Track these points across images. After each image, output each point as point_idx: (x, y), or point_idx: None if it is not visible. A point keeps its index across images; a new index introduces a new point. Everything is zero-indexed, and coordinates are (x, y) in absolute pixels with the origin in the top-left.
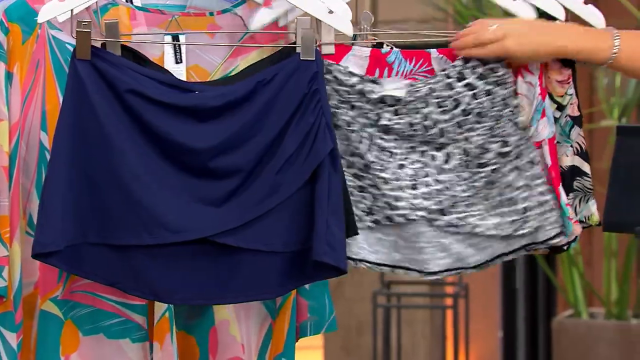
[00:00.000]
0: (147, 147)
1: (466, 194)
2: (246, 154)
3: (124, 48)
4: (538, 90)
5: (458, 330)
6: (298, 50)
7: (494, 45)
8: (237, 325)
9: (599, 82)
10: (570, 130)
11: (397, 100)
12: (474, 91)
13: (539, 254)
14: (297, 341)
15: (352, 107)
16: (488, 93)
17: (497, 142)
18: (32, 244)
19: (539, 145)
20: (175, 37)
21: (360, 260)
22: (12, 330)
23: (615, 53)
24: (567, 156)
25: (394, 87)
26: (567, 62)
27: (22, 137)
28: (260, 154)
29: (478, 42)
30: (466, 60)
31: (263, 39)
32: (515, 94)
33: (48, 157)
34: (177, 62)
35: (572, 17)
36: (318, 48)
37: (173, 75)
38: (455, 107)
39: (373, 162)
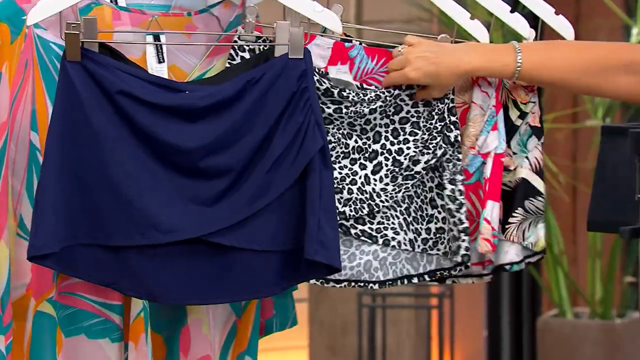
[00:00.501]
0: (138, 148)
1: (385, 205)
2: (236, 154)
3: (102, 46)
4: (493, 102)
5: (443, 330)
6: (285, 50)
7: (397, 74)
8: (208, 323)
9: None
10: (527, 140)
11: (345, 97)
12: (414, 100)
13: (486, 281)
14: (260, 338)
15: None
16: (426, 104)
17: (427, 154)
18: (27, 247)
19: (485, 157)
20: (157, 37)
21: None
22: (0, 332)
23: (519, 67)
24: (522, 168)
25: (338, 72)
26: None
27: (10, 138)
28: (250, 154)
29: (388, 69)
30: None
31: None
32: (471, 102)
33: (39, 156)
34: (159, 62)
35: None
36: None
37: (156, 76)
38: (395, 113)
39: None
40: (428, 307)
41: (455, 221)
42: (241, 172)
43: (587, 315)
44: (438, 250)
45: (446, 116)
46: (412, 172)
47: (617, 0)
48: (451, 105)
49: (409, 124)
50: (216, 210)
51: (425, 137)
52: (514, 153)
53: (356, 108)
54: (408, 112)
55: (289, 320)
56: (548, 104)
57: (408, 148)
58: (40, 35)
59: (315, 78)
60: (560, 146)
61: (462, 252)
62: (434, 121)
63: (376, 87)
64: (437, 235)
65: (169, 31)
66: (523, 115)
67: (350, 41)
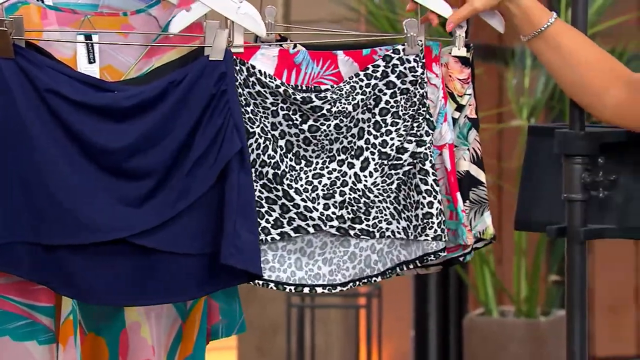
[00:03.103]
0: (69, 147)
1: (379, 199)
2: (158, 155)
3: (30, 45)
4: (441, 93)
5: (371, 329)
6: (208, 51)
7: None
8: (148, 327)
9: (508, 82)
10: (468, 132)
11: (323, 97)
12: (393, 90)
13: (433, 272)
14: (207, 344)
15: (275, 113)
16: (404, 92)
17: (414, 141)
18: None
19: (441, 148)
20: (88, 37)
21: (267, 281)
22: None
23: (551, 21)
24: (465, 160)
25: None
26: (466, 62)
27: None
28: (172, 155)
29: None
30: (388, 59)
31: (178, 39)
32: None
33: None
34: (90, 62)
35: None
36: (229, 48)
37: (88, 75)
38: (375, 105)
39: (285, 171)
40: (356, 306)
41: (439, 206)
42: (165, 173)
43: (512, 313)
44: (427, 235)
45: (426, 101)
46: (401, 162)
47: None
48: (427, 89)
49: (389, 114)
50: (142, 211)
51: (409, 124)
52: (455, 146)
53: (338, 107)
54: (387, 102)
55: (236, 325)
56: None
57: (392, 139)
58: None
59: (290, 90)
60: (486, 146)
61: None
62: (415, 107)
63: (332, 85)
64: (425, 221)
65: (102, 31)
66: (460, 107)
67: (295, 46)
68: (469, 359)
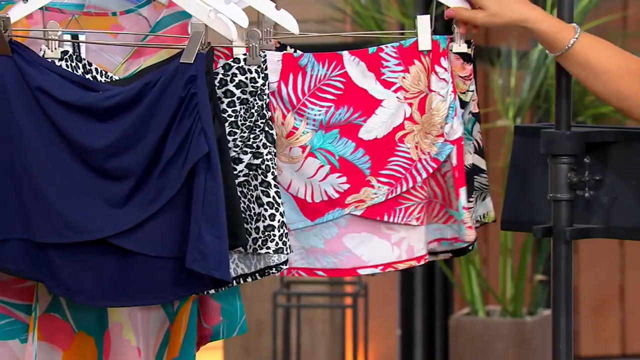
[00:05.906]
0: (56, 146)
1: None
2: (136, 156)
3: (14, 44)
4: (451, 87)
5: (357, 329)
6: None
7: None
8: (132, 329)
9: (494, 82)
10: (472, 127)
11: None
12: (231, 99)
13: (441, 259)
14: (204, 344)
15: None
16: (244, 102)
17: (249, 153)
18: None
19: (454, 143)
20: (75, 36)
21: None
22: None
23: (576, 39)
24: (470, 154)
25: None
26: (468, 58)
27: None
28: (148, 156)
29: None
30: (227, 68)
31: (167, 40)
32: (430, 91)
33: None
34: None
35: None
36: (202, 51)
37: (78, 74)
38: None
39: None
40: (342, 306)
41: (284, 219)
42: (142, 174)
43: (498, 313)
44: (268, 248)
45: (265, 112)
46: (236, 172)
47: None
48: (267, 101)
49: (227, 123)
50: (124, 212)
51: (246, 135)
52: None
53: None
54: (224, 111)
55: (237, 325)
56: None
57: (229, 148)
58: None
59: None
60: None
61: (281, 247)
62: (254, 118)
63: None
64: (266, 234)
65: (89, 30)
66: (464, 104)
67: (296, 50)
68: (454, 358)
